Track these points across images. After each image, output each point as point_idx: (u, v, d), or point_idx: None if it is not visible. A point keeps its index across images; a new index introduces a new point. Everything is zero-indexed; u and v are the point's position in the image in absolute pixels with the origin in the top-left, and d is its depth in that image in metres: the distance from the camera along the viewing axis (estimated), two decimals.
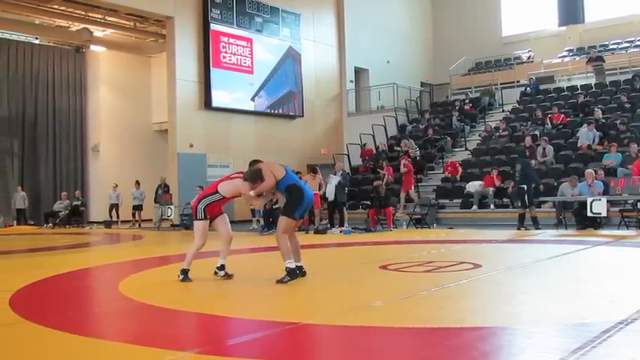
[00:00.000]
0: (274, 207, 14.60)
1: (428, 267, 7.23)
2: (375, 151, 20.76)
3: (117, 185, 20.57)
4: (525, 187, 12.94)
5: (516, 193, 13.58)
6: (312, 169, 15.33)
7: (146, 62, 24.43)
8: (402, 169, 16.79)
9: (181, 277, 6.57)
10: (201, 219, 6.52)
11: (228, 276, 6.67)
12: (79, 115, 23.50)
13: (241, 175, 6.65)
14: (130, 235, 15.74)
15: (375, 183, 15.55)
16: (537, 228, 12.77)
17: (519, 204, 13.31)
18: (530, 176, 13.13)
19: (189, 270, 6.60)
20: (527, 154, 15.57)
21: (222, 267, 6.70)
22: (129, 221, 20.33)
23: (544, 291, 5.65)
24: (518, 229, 12.79)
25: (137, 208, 20.12)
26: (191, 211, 17.41)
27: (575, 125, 17.97)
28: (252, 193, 6.36)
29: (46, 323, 4.56)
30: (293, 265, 6.20)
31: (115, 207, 20.40)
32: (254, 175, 6.32)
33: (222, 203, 6.63)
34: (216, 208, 6.62)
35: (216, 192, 6.54)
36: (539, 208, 14.42)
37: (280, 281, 6.14)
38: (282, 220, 6.34)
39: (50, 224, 19.81)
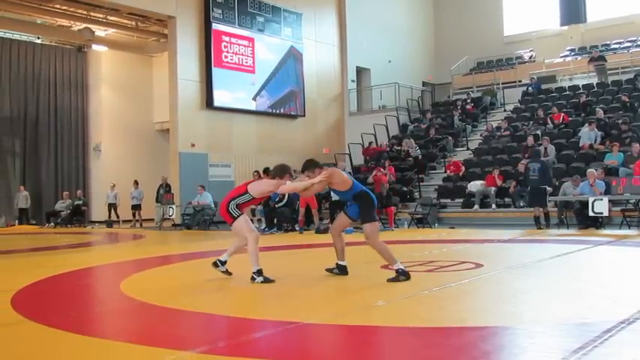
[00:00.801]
0: (277, 206, 14.63)
1: (429, 266, 7.23)
2: (377, 149, 20.74)
3: (114, 185, 20.59)
4: (546, 187, 13.13)
5: (533, 194, 13.39)
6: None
7: (148, 62, 24.44)
8: (370, 180, 16.48)
9: (259, 279, 6.24)
10: (238, 216, 6.42)
11: (228, 273, 6.64)
12: (81, 115, 23.51)
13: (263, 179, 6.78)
14: (132, 235, 15.75)
15: (375, 173, 15.54)
16: (549, 226, 12.95)
17: (537, 205, 13.11)
18: (550, 177, 13.30)
19: (262, 269, 6.32)
20: (540, 153, 15.49)
21: (224, 263, 6.65)
22: (130, 221, 20.34)
23: (545, 291, 5.64)
24: (540, 228, 12.84)
25: (136, 207, 20.13)
26: (194, 210, 17.37)
27: (576, 125, 17.95)
28: (289, 183, 6.43)
29: (47, 323, 4.57)
30: (403, 266, 6.14)
31: (112, 207, 20.42)
32: (279, 170, 6.47)
33: (250, 204, 6.62)
34: (244, 208, 6.57)
35: (247, 192, 6.48)
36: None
37: (394, 279, 6.02)
38: (369, 227, 6.27)
39: (52, 224, 19.82)
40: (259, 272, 6.29)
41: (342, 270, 6.55)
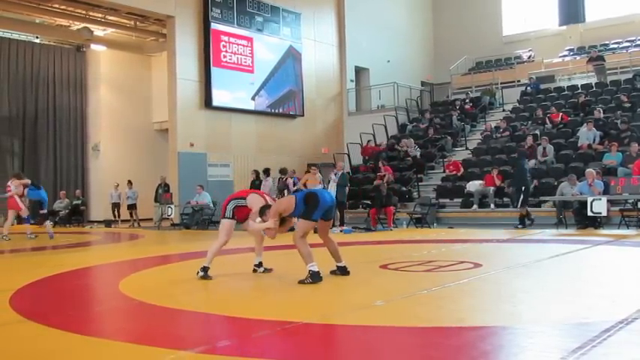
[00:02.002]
0: None
1: (428, 266, 7.23)
2: (375, 149, 20.74)
3: (118, 185, 20.59)
4: (520, 188, 13.37)
5: (512, 193, 13.96)
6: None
7: (147, 61, 24.42)
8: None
9: (201, 274, 6.54)
10: (229, 218, 6.64)
11: (267, 270, 6.89)
12: (80, 115, 23.50)
13: (271, 198, 6.92)
14: (130, 235, 15.74)
15: (375, 182, 15.56)
16: (525, 226, 13.26)
17: (516, 205, 13.60)
18: (523, 179, 13.49)
19: (209, 268, 6.58)
20: (527, 154, 15.62)
21: (260, 264, 6.94)
22: (128, 220, 20.35)
23: (544, 290, 5.64)
24: (518, 227, 13.18)
25: (131, 207, 20.15)
26: (193, 210, 17.44)
27: (575, 125, 17.96)
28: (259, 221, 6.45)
29: (46, 322, 4.57)
30: (316, 269, 6.10)
31: (116, 206, 20.44)
32: (263, 209, 6.44)
33: (247, 211, 6.69)
34: (243, 212, 6.70)
35: (244, 198, 6.71)
36: (540, 207, 14.59)
37: (302, 282, 6.06)
38: (301, 224, 6.35)
39: (50, 223, 19.78)
40: (205, 269, 6.54)
41: (342, 271, 6.56)
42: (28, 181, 14.64)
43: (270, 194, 6.84)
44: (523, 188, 13.36)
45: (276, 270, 6.99)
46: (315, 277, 6.07)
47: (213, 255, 6.66)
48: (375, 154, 20.04)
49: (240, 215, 6.69)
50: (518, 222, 13.45)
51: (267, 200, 6.71)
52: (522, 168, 13.69)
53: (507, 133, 18.99)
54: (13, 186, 13.92)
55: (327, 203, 6.35)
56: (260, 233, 6.81)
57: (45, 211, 15.75)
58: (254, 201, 6.65)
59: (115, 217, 20.35)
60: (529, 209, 13.72)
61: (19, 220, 20.44)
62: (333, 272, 6.56)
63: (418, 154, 19.38)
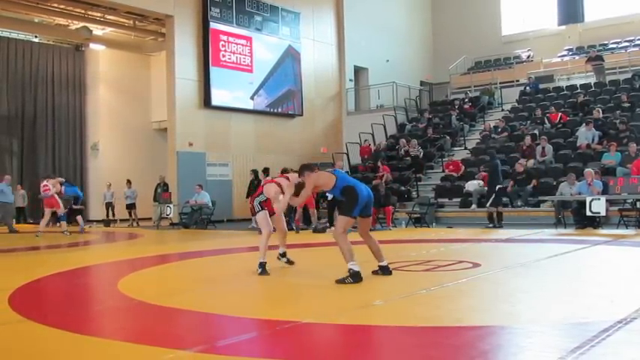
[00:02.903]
0: None
1: (427, 266, 7.24)
2: (373, 149, 20.74)
3: (110, 184, 20.59)
4: (494, 187, 13.76)
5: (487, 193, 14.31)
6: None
7: (145, 61, 24.40)
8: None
9: (259, 270, 6.63)
10: (259, 211, 7.02)
11: (290, 262, 7.23)
12: (79, 114, 23.46)
13: (284, 176, 7.31)
14: (129, 234, 15.73)
15: (374, 182, 15.55)
16: (495, 226, 13.52)
17: (492, 204, 13.83)
18: (496, 179, 13.78)
19: (265, 262, 6.71)
20: (500, 156, 16.05)
21: (284, 254, 7.31)
22: (127, 220, 20.33)
23: (543, 290, 5.65)
24: (489, 227, 13.55)
25: (130, 207, 20.12)
26: (192, 209, 17.59)
27: (574, 124, 17.97)
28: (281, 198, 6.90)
29: (45, 322, 4.56)
30: (357, 268, 5.98)
31: (110, 206, 20.43)
32: (300, 169, 6.61)
33: (269, 202, 7.04)
34: (269, 203, 7.06)
35: (262, 193, 7.12)
36: (539, 207, 14.65)
37: (341, 281, 5.94)
38: (340, 220, 6.23)
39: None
40: (262, 265, 6.66)
41: (384, 270, 6.42)
42: (63, 179, 15.94)
43: (288, 177, 7.17)
44: (497, 188, 13.61)
45: (273, 269, 6.98)
46: (355, 277, 5.91)
47: (264, 248, 6.77)
48: (374, 154, 20.04)
49: (268, 205, 7.04)
50: (487, 221, 13.72)
51: (282, 185, 6.96)
52: (495, 168, 13.88)
53: (506, 133, 18.99)
54: (51, 185, 14.57)
55: (364, 198, 6.16)
56: (284, 231, 7.30)
57: (80, 206, 16.95)
58: (269, 190, 7.05)
59: (107, 216, 20.33)
60: (500, 209, 13.79)
61: (18, 219, 20.51)
62: (375, 272, 6.44)
63: (421, 154, 19.35)
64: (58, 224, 16.79)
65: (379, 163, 18.09)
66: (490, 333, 4.04)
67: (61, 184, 15.34)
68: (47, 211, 14.86)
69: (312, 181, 6.32)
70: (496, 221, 13.55)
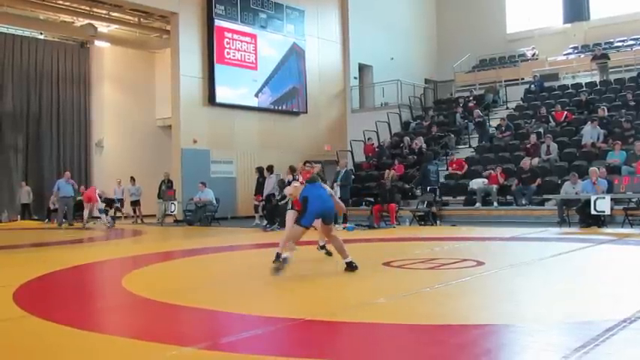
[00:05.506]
0: (280, 202, 14.62)
1: (431, 264, 7.23)
2: (378, 148, 20.71)
3: (120, 181, 20.59)
4: (425, 189, 15.39)
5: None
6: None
7: (150, 58, 24.44)
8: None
9: (274, 265, 6.43)
10: (290, 209, 7.76)
11: (329, 254, 7.63)
12: (83, 111, 23.53)
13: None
14: (134, 231, 15.77)
15: (382, 180, 15.63)
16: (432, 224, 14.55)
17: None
18: (427, 181, 15.66)
19: (286, 257, 6.65)
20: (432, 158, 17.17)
21: (323, 246, 7.84)
22: (132, 217, 20.36)
23: (547, 289, 5.64)
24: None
25: (135, 203, 20.12)
26: (196, 206, 17.86)
27: (579, 123, 17.91)
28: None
29: (49, 318, 4.58)
30: (285, 255, 6.33)
31: (120, 202, 20.41)
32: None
33: (296, 200, 7.41)
34: (296, 202, 7.42)
35: (286, 195, 8.27)
36: (543, 205, 14.62)
37: (274, 263, 6.43)
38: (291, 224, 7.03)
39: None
40: (278, 256, 6.69)
41: (349, 266, 6.58)
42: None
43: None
44: (428, 189, 15.14)
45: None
46: (282, 261, 6.26)
47: (284, 241, 6.88)
48: (378, 152, 19.98)
49: (299, 206, 7.26)
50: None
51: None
52: (426, 170, 15.55)
53: (509, 132, 18.86)
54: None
55: (316, 210, 6.49)
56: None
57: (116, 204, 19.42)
58: (288, 189, 8.06)
59: (115, 213, 20.33)
60: (435, 209, 14.94)
61: (22, 215, 20.58)
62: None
63: (424, 148, 19.25)
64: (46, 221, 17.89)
65: (396, 161, 18.05)
66: (494, 331, 4.04)
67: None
68: (86, 206, 17.19)
69: (294, 188, 7.44)
70: (432, 219, 14.65)
